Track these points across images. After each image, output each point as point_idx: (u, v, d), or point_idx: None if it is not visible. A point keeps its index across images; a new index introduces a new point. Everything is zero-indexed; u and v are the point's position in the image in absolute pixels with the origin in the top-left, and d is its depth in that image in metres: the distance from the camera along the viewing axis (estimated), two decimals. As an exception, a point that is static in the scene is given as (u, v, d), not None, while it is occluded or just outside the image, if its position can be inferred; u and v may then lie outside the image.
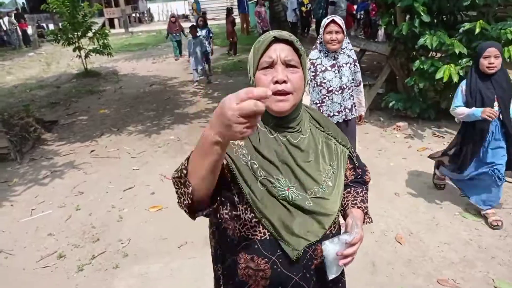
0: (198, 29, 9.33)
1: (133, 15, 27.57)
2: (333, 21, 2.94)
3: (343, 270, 1.45)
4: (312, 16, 14.38)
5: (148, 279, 2.80)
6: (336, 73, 3.06)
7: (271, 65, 1.11)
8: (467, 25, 4.40)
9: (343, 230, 1.27)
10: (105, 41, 10.29)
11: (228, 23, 11.86)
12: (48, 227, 3.54)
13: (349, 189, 1.40)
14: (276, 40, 1.12)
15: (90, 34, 10.21)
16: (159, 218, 3.58)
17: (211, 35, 9.87)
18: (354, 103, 3.26)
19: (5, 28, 18.93)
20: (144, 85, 9.20)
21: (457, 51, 4.35)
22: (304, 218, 1.17)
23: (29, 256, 3.16)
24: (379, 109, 5.91)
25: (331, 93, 3.09)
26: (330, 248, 1.15)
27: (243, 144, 1.16)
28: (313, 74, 3.08)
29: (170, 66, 11.55)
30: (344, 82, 3.09)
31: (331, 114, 3.14)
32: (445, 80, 4.33)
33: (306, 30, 15.13)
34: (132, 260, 3.03)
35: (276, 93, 1.09)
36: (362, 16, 12.52)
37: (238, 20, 15.37)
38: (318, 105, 3.13)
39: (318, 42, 3.11)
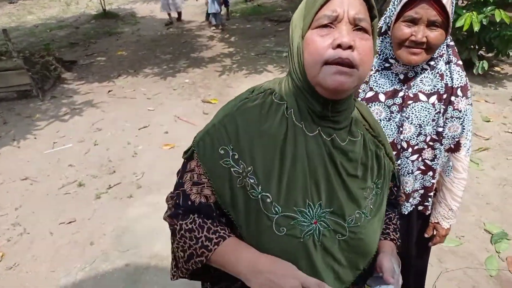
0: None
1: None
2: None
3: None
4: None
5: (159, 207, 3.03)
6: (393, 113, 1.32)
7: (333, 22, 0.75)
8: (495, -30, 4.17)
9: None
10: (123, -19, 10.14)
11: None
12: (69, 159, 3.79)
13: None
14: None
15: (108, -27, 10.06)
16: (171, 155, 3.76)
17: (230, -23, 9.56)
18: (428, 188, 1.43)
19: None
20: (161, 28, 9.15)
21: (482, -2, 4.18)
22: (330, 262, 0.87)
23: (52, 183, 3.42)
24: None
25: None
26: None
27: (251, 170, 0.83)
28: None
29: (188, 9, 11.33)
30: (407, 134, 1.32)
31: None
32: (465, 28, 4.19)
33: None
34: (145, 191, 3.26)
35: (336, 62, 0.74)
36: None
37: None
38: None
39: (382, 32, 1.30)
